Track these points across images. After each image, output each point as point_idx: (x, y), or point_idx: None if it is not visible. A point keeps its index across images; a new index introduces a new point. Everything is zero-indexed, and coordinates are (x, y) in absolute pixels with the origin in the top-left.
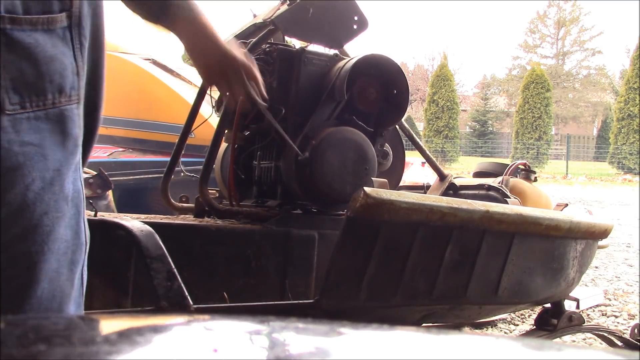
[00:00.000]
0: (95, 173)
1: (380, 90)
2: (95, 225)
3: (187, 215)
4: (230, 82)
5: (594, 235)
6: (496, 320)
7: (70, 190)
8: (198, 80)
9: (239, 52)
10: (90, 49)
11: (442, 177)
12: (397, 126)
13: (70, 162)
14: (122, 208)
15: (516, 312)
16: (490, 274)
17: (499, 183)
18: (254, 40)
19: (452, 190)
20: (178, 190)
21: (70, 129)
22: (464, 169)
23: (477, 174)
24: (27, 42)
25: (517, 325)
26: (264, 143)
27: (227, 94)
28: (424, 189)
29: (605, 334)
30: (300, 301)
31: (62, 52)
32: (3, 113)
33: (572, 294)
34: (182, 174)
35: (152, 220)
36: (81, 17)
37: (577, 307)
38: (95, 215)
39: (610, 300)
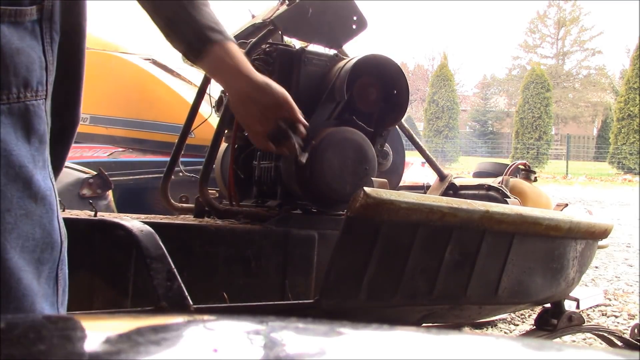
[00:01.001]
0: (95, 173)
1: (380, 90)
2: (95, 225)
3: (187, 215)
4: (276, 123)
5: (594, 235)
6: (496, 320)
7: (40, 187)
8: (198, 80)
9: (275, 84)
10: (68, 44)
11: (442, 177)
12: (397, 126)
13: (37, 159)
14: (122, 208)
15: (516, 312)
16: (490, 274)
17: (499, 183)
18: (254, 40)
19: (452, 190)
20: (178, 190)
21: (36, 124)
22: (464, 169)
23: (477, 174)
24: None
25: (517, 325)
26: None
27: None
28: (424, 189)
29: (605, 334)
30: (300, 301)
31: (30, 46)
32: None
33: (572, 294)
34: (181, 173)
35: (152, 220)
36: (53, 11)
37: (577, 307)
38: (95, 215)
39: (610, 300)
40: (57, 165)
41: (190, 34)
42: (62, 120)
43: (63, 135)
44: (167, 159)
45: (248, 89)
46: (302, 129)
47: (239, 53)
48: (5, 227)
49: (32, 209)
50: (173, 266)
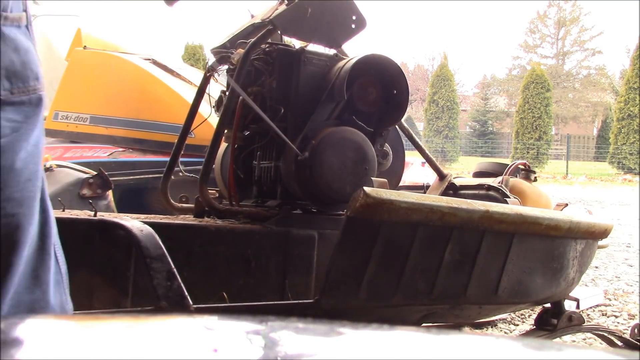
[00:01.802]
0: (95, 173)
1: (380, 90)
2: (95, 225)
3: (187, 215)
4: None
5: (594, 235)
6: (496, 320)
7: (40, 166)
8: (198, 80)
9: None
10: None
11: (441, 177)
12: (397, 126)
13: (42, 140)
14: (122, 208)
15: (516, 312)
16: (490, 274)
17: (499, 183)
18: (253, 40)
19: (452, 190)
20: (178, 190)
21: (43, 112)
22: (464, 169)
23: (477, 174)
24: (12, 35)
25: (517, 325)
26: (263, 143)
27: None
28: (424, 189)
29: (605, 334)
30: (300, 301)
31: (30, 46)
32: None
33: (572, 294)
34: (181, 173)
35: (152, 220)
36: (30, 16)
37: (577, 307)
38: (95, 215)
39: (610, 300)
40: None
41: None
42: None
43: None
44: (167, 159)
45: None
46: None
47: None
48: (29, 195)
49: (39, 184)
50: (173, 266)
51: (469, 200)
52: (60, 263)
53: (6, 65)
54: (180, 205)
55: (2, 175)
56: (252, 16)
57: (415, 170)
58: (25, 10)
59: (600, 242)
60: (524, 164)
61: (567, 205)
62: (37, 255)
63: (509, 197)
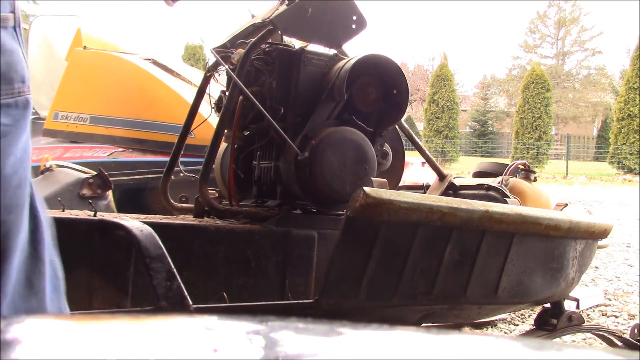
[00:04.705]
0: (95, 173)
1: (380, 90)
2: (95, 225)
3: (187, 215)
4: None
5: (593, 235)
6: (496, 320)
7: (28, 172)
8: (198, 80)
9: None
10: None
11: (441, 177)
12: (397, 126)
13: (30, 146)
14: (122, 208)
15: (516, 312)
16: (490, 274)
17: (498, 183)
18: (253, 40)
19: (452, 190)
20: (178, 190)
21: (30, 116)
22: (464, 169)
23: (477, 174)
24: None
25: (517, 325)
26: (263, 143)
27: None
28: (423, 189)
29: (605, 334)
30: (300, 301)
31: (16, 48)
32: None
33: (572, 294)
34: (181, 174)
35: (152, 220)
36: (19, 18)
37: (577, 307)
38: (95, 215)
39: (610, 300)
40: None
41: None
42: None
43: None
44: (167, 159)
45: None
46: None
47: None
48: (18, 202)
49: (28, 190)
50: (173, 266)
51: (468, 200)
52: (56, 269)
53: None
54: (180, 205)
55: None
56: (253, 16)
57: (415, 170)
58: (13, 12)
59: (600, 242)
60: (524, 164)
61: (567, 205)
62: (30, 262)
63: (508, 197)
